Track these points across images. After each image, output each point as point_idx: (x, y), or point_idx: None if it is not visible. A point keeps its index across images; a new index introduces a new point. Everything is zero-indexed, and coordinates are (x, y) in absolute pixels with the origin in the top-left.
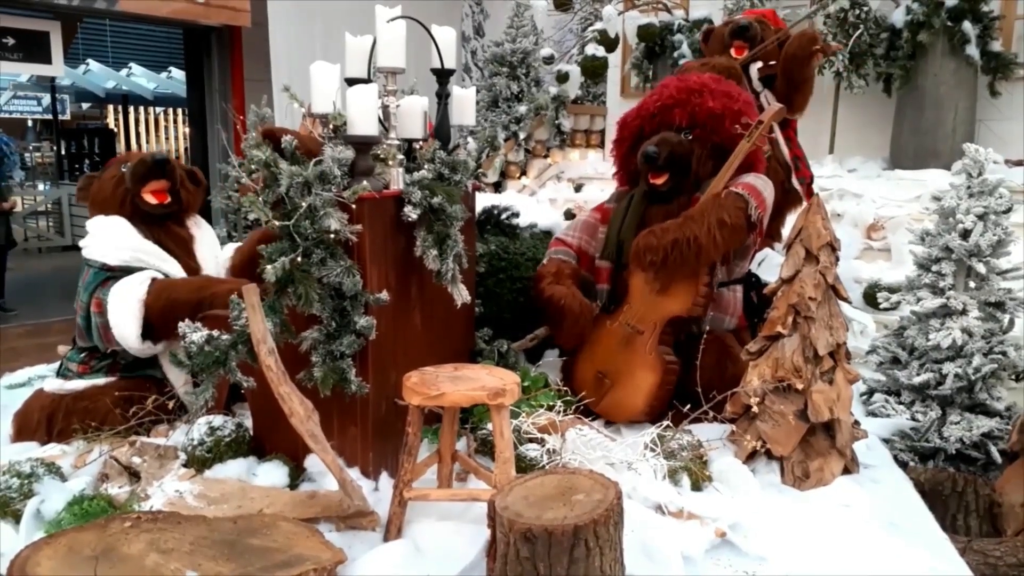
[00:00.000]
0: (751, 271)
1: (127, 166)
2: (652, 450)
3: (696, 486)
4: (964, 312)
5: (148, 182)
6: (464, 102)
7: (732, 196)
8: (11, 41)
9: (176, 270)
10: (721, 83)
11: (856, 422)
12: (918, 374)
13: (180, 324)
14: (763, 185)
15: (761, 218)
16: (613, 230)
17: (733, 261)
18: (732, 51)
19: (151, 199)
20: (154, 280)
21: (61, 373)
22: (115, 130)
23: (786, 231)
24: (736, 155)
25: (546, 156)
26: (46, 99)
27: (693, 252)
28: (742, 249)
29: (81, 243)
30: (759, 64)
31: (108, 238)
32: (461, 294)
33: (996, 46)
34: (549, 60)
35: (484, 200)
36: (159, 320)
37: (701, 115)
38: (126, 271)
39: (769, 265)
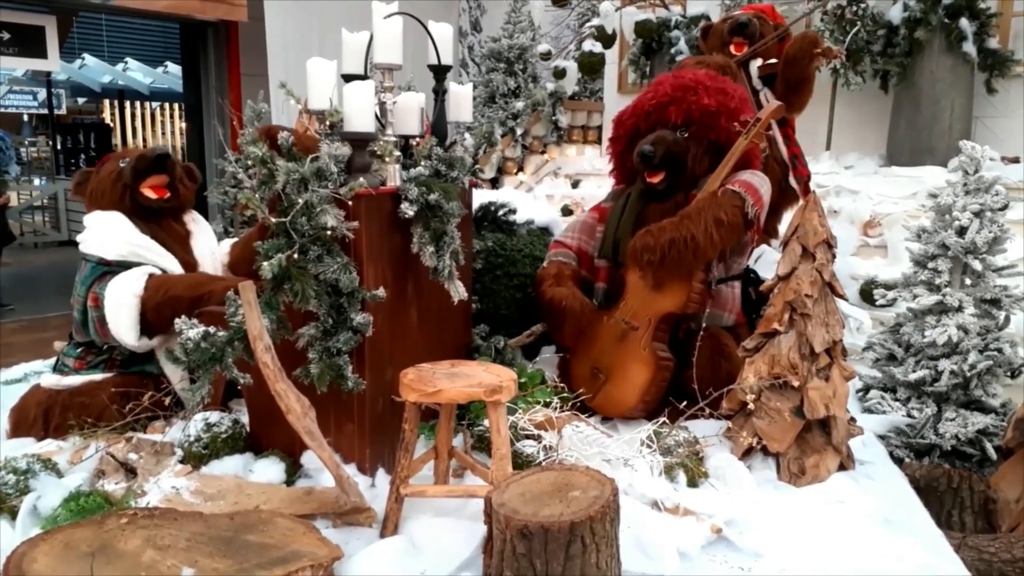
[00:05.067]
0: (749, 267)
1: (125, 161)
2: (648, 446)
3: (692, 482)
4: (960, 309)
5: (148, 177)
6: (461, 98)
7: (729, 194)
8: (6, 36)
9: (173, 265)
10: (716, 80)
11: (852, 418)
12: (914, 371)
13: (176, 321)
14: (760, 182)
15: (758, 215)
16: (610, 228)
17: (730, 258)
18: (731, 48)
19: (150, 194)
20: (151, 276)
21: (58, 368)
22: (111, 125)
23: (783, 228)
24: (733, 152)
25: (543, 152)
26: (42, 94)
27: (690, 251)
28: (739, 246)
29: (78, 238)
30: (759, 62)
31: (106, 233)
32: (458, 291)
33: (993, 43)
34: (546, 56)
35: (481, 196)
36: (155, 316)
37: (696, 112)
38: (123, 266)
39: (766, 262)
